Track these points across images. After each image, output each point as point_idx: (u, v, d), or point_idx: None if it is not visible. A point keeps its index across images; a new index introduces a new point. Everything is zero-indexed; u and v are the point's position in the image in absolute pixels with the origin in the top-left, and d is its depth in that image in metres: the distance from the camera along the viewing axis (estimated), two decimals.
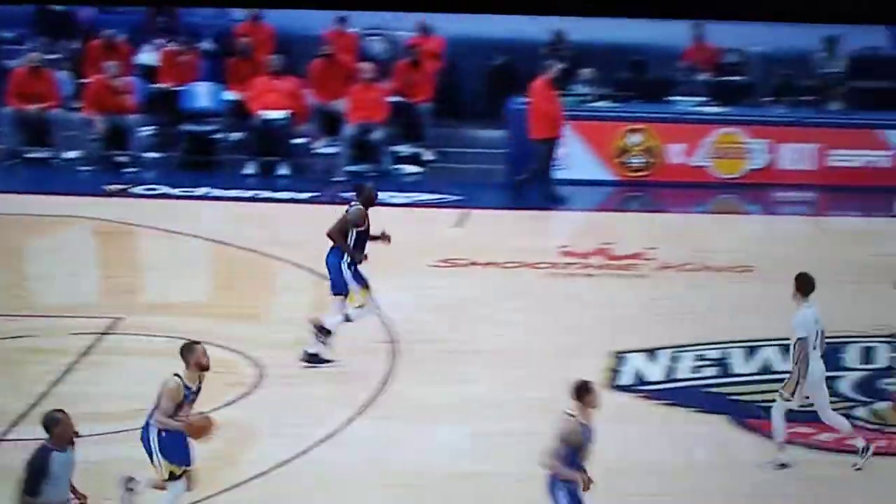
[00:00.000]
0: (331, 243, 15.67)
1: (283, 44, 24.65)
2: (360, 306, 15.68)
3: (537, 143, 21.94)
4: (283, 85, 23.65)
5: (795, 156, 22.56)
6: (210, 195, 22.58)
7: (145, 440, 11.66)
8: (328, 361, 15.72)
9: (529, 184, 21.91)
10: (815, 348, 13.73)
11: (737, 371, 16.33)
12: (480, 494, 13.17)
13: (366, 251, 15.63)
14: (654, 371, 16.35)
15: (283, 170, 23.73)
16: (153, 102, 24.23)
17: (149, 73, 24.55)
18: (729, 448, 14.60)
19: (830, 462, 14.32)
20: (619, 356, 16.54)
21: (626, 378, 16.19)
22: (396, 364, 16.15)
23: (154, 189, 22.74)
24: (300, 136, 23.80)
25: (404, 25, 25.16)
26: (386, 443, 14.21)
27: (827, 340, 15.89)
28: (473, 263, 19.44)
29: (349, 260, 15.52)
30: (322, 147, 23.85)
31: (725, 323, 17.05)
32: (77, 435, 10.42)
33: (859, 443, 13.99)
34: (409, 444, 14.08)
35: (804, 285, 13.57)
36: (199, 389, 11.70)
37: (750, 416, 15.03)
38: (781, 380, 14.26)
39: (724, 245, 20.23)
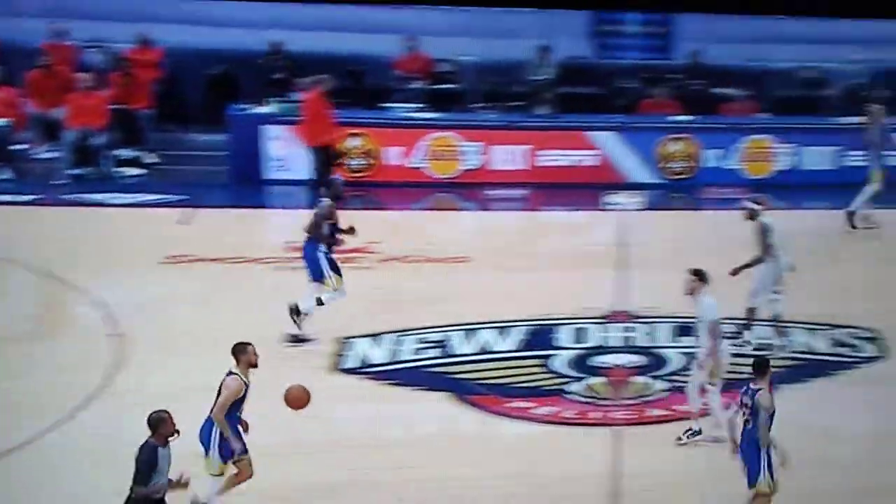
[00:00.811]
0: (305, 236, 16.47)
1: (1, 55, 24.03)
2: (334, 290, 16.38)
3: (313, 150, 22.27)
4: (0, 95, 23.19)
5: (507, 156, 23.17)
6: None
7: (206, 434, 12.05)
8: (309, 340, 16.40)
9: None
10: None
11: (457, 352, 16.64)
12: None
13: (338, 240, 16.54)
14: (379, 354, 16.54)
15: (5, 174, 23.20)
16: None
17: None
18: (451, 422, 14.83)
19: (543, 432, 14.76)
20: (345, 341, 16.71)
21: (351, 361, 16.37)
22: (124, 355, 16.04)
23: None
24: (20, 143, 23.21)
25: (124, 37, 24.79)
26: (114, 430, 13.92)
27: (541, 323, 16.59)
28: (200, 260, 19.35)
29: (325, 249, 16.29)
30: (43, 152, 23.37)
31: (445, 308, 17.28)
32: (178, 433, 11.09)
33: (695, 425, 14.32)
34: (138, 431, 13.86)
35: (703, 276, 14.11)
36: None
37: (470, 392, 15.30)
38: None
39: (443, 238, 20.58)
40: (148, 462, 10.91)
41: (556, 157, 23.21)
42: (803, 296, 17.01)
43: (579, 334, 17.15)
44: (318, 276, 16.42)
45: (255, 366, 12.25)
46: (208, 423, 12.09)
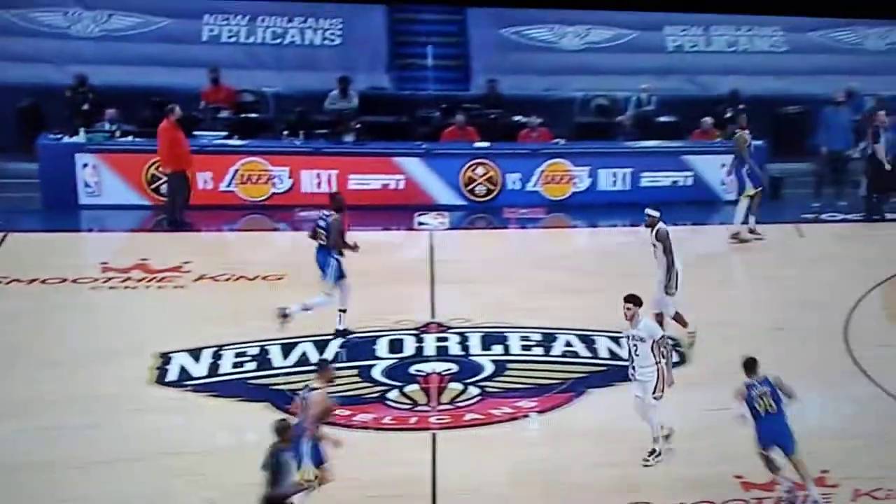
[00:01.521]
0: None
1: None
2: (327, 294, 17.31)
3: (170, 176, 22.05)
4: None
5: (316, 180, 23.28)
6: None
7: (295, 448, 12.55)
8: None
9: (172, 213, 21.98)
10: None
11: (276, 364, 16.69)
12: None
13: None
14: (199, 368, 16.52)
15: None
16: None
17: None
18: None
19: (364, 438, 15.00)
20: (165, 356, 16.67)
21: (171, 375, 16.35)
22: None
23: None
24: None
25: None
26: None
27: (359, 336, 16.79)
28: (16, 280, 19.07)
29: (337, 256, 17.34)
30: None
31: (263, 324, 17.24)
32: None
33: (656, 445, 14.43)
34: None
35: (638, 301, 14.38)
36: None
37: (289, 402, 15.27)
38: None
39: (257, 257, 20.57)
40: (280, 465, 11.90)
41: (366, 181, 23.40)
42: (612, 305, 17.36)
43: (395, 345, 17.38)
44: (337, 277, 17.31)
45: (332, 381, 13.44)
46: (296, 444, 12.59)
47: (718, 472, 14.10)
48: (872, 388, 16.37)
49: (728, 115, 25.12)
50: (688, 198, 23.31)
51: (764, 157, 23.53)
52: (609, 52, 27.88)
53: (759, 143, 23.55)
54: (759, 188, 21.71)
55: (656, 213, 17.20)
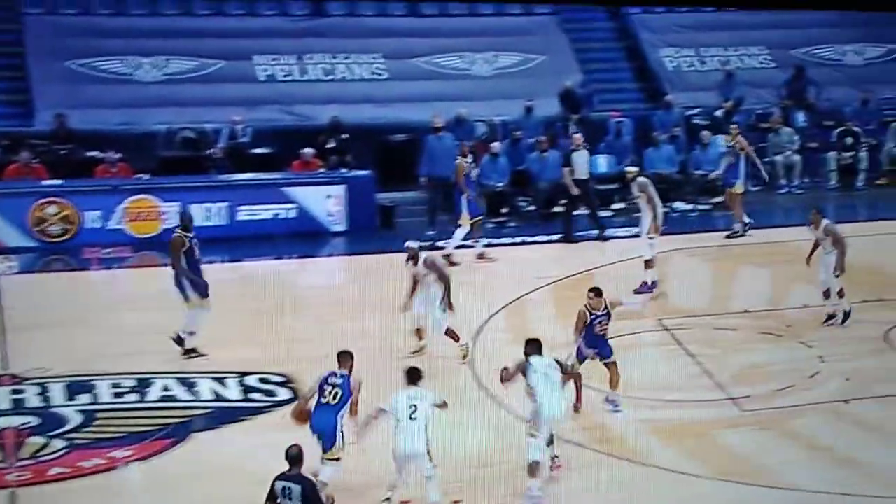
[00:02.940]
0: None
1: None
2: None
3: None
4: None
5: (207, 213, 23.31)
6: None
7: (332, 427, 13.90)
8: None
9: None
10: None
11: None
12: None
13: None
14: None
15: None
16: None
17: None
18: None
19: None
20: None
21: None
22: None
23: None
24: None
25: None
26: None
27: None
28: None
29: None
30: None
31: None
32: None
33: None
34: None
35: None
36: None
37: None
38: None
39: (143, 293, 20.25)
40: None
41: (256, 212, 23.68)
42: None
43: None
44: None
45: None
46: (333, 419, 13.89)
47: None
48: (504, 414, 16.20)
49: (331, 144, 25.22)
50: (292, 230, 23.19)
51: (372, 186, 23.86)
52: (193, 82, 27.45)
53: (365, 172, 24.14)
54: (479, 216, 22.53)
55: (416, 246, 18.18)
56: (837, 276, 18.90)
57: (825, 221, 19.28)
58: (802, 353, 18.16)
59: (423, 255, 18.01)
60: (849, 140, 27.94)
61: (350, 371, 14.11)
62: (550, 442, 14.45)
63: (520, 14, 30.33)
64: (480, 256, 22.35)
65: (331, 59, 28.40)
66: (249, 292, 20.38)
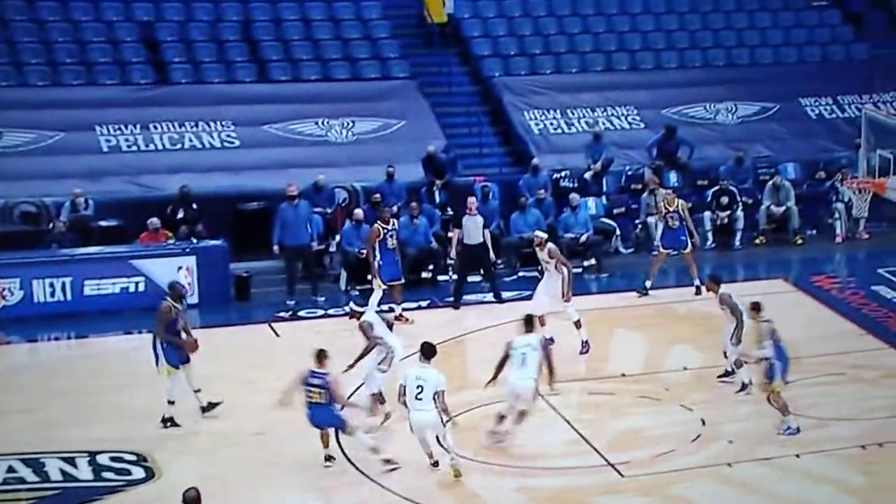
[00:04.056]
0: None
1: None
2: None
3: None
4: None
5: (51, 289, 23.47)
6: None
7: (335, 417, 16.33)
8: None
9: None
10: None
11: None
12: None
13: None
14: None
15: None
16: None
17: None
18: None
19: None
20: None
21: None
22: None
23: None
24: None
25: None
26: None
27: None
28: None
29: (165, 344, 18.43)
30: None
31: None
32: None
33: None
34: None
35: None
36: None
37: None
38: None
39: None
40: None
41: (103, 286, 23.66)
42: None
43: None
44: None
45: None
46: (329, 412, 16.18)
47: None
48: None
49: (180, 215, 25.26)
50: (142, 304, 22.72)
51: (225, 256, 23.97)
52: (31, 155, 27.24)
53: (217, 242, 24.26)
54: (396, 280, 23.15)
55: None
56: (736, 346, 19.21)
57: (722, 291, 19.69)
58: (683, 416, 18.42)
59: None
60: (724, 199, 28.51)
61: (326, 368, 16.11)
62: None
63: (377, 78, 30.64)
64: (398, 318, 22.43)
65: (178, 127, 28.35)
66: (98, 368, 20.25)
